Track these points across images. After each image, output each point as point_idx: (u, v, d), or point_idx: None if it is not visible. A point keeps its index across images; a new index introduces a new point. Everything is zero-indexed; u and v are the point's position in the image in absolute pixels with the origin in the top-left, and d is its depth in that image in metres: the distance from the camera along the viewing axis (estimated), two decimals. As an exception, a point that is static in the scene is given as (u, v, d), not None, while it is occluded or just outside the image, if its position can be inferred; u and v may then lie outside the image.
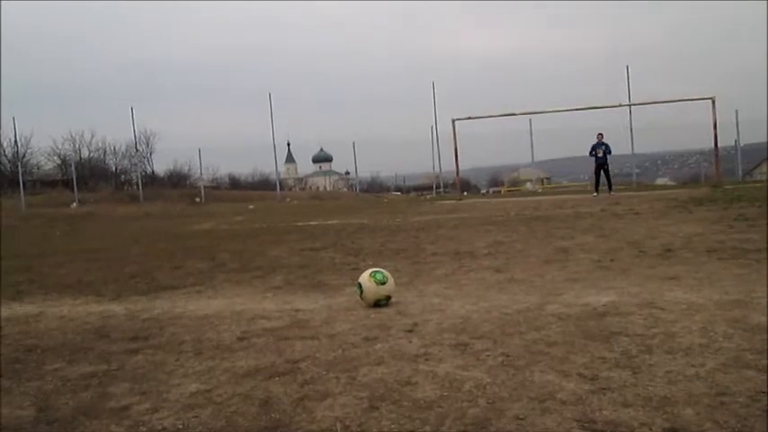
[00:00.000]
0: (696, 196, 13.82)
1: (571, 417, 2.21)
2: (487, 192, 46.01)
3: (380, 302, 4.20)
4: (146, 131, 38.92)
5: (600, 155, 18.94)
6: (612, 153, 19.52)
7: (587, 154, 19.52)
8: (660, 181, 48.44)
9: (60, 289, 5.89)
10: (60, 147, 38.65)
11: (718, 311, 3.52)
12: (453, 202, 20.54)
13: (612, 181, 19.81)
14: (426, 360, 2.97)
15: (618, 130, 27.57)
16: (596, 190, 19.05)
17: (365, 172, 52.12)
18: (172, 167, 39.58)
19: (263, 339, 3.56)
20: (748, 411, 2.16)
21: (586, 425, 2.14)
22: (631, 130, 27.21)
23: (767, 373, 2.51)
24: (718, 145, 21.70)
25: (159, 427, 2.37)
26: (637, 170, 32.38)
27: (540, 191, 31.20)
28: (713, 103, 20.79)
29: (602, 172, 19.19)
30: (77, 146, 39.47)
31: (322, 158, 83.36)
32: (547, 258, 5.95)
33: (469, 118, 24.42)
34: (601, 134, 19.41)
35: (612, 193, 18.41)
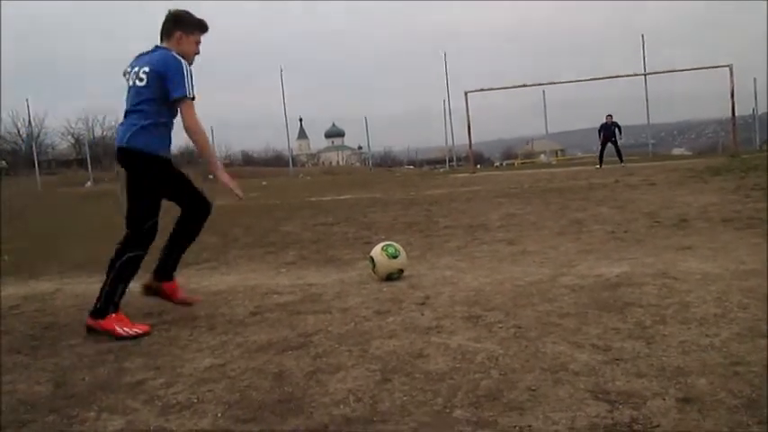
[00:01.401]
0: (713, 166, 13.65)
1: (584, 387, 2.20)
2: (501, 164, 45.75)
3: (393, 276, 4.20)
4: (158, 109, 38.98)
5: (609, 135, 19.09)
6: (623, 131, 19.59)
7: (598, 130, 19.55)
8: (676, 151, 47.91)
9: (76, 267, 5.94)
10: (74, 126, 38.92)
11: (733, 281, 3.49)
12: (466, 175, 20.47)
13: (629, 151, 19.90)
14: (438, 332, 2.97)
15: (633, 100, 27.32)
16: (600, 163, 19.14)
17: (378, 146, 52.09)
18: (185, 145, 39.72)
19: (275, 314, 3.58)
20: (763, 381, 2.14)
21: (599, 395, 2.13)
22: (647, 100, 26.94)
23: (783, 342, 2.48)
24: (736, 114, 21.39)
25: (174, 401, 2.40)
26: (653, 141, 32.08)
27: (554, 163, 31.00)
28: (731, 70, 20.45)
29: (608, 144, 19.22)
30: (90, 125, 39.70)
31: (334, 134, 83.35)
32: (560, 230, 5.91)
33: (482, 90, 24.26)
34: (610, 115, 19.42)
35: (624, 164, 18.35)
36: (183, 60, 3.48)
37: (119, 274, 3.46)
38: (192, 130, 3.49)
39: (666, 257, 4.27)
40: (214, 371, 2.70)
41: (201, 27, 3.73)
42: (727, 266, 3.86)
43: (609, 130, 19.22)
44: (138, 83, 3.47)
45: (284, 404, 2.28)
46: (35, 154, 30.04)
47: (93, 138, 38.85)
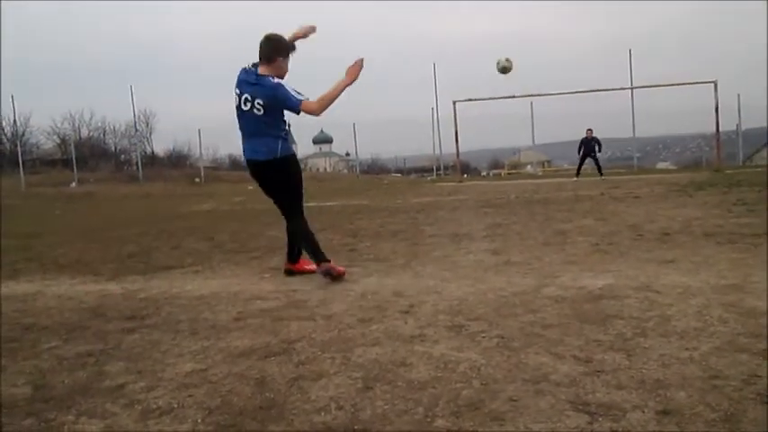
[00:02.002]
0: (696, 180, 13.81)
1: (565, 398, 2.21)
2: (488, 174, 45.94)
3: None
4: (145, 111, 38.84)
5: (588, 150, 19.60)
6: (603, 144, 20.13)
7: (578, 144, 19.97)
8: (661, 165, 48.38)
9: (58, 268, 5.89)
10: (59, 126, 38.57)
11: (713, 295, 3.52)
12: (453, 184, 20.55)
13: (616, 164, 20.32)
14: (421, 341, 2.98)
15: (620, 113, 27.59)
16: (577, 174, 19.61)
17: (365, 153, 52.11)
18: (172, 147, 39.54)
19: (259, 320, 3.56)
20: (741, 395, 2.16)
21: (580, 407, 2.14)
22: (633, 113, 27.16)
23: (761, 356, 2.51)
24: (720, 129, 21.64)
25: (154, 406, 2.38)
26: (638, 154, 32.37)
27: (540, 174, 31.18)
28: (715, 86, 20.70)
29: (587, 159, 19.68)
30: (77, 125, 39.39)
31: (322, 140, 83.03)
32: (545, 241, 5.94)
33: (470, 100, 24.37)
34: (590, 130, 19.83)
35: (603, 177, 18.65)
36: (278, 81, 4.46)
37: (308, 245, 4.70)
38: (322, 110, 4.39)
39: (649, 270, 4.31)
40: (195, 376, 2.68)
41: (293, 49, 4.64)
42: (708, 281, 3.89)
43: (589, 146, 19.53)
44: (256, 112, 4.48)
45: (265, 411, 2.27)
46: (19, 153, 29.73)
47: (80, 138, 38.49)
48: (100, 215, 13.45)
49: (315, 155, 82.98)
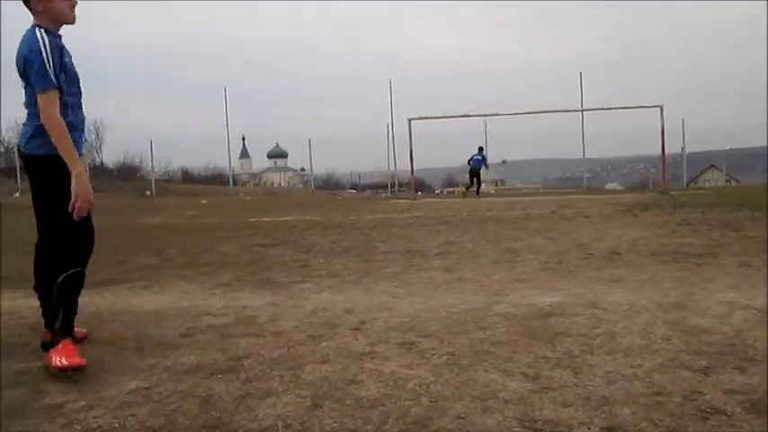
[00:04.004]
0: (643, 201, 14.20)
1: (512, 416, 2.22)
2: (441, 192, 46.38)
3: None
4: (95, 122, 38.06)
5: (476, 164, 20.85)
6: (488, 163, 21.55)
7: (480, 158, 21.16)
8: (610, 185, 49.75)
9: (-3, 282, 5.66)
10: (4, 134, 37.41)
11: (658, 313, 3.61)
12: (407, 201, 20.63)
13: (567, 184, 21.11)
14: (372, 358, 2.96)
15: (571, 134, 28.30)
16: (467, 193, 20.66)
17: (321, 169, 52.04)
18: (122, 159, 38.77)
19: (207, 336, 3.49)
20: (683, 410, 2.21)
21: (527, 424, 2.16)
22: (583, 135, 27.89)
23: (702, 373, 2.58)
24: (665, 152, 22.37)
25: (94, 426, 2.30)
26: (588, 174, 33.25)
27: (492, 192, 31.62)
28: (661, 111, 21.39)
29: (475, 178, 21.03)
30: (23, 134, 38.26)
31: (277, 154, 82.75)
32: (496, 259, 6.01)
33: (425, 118, 24.61)
34: (481, 147, 21.27)
35: (480, 198, 19.61)
36: (41, 40, 2.84)
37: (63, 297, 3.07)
38: (50, 125, 2.86)
39: (596, 289, 4.39)
40: (139, 394, 2.61)
41: None
42: (653, 298, 3.99)
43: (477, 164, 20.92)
44: (23, 83, 2.96)
45: (211, 429, 2.22)
46: (-40, 162, 28.69)
47: (25, 148, 37.34)
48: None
49: (269, 169, 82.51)
